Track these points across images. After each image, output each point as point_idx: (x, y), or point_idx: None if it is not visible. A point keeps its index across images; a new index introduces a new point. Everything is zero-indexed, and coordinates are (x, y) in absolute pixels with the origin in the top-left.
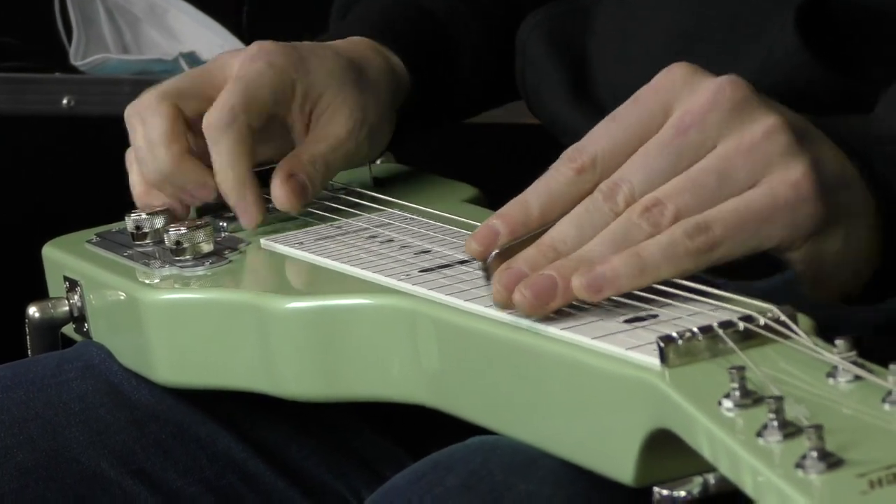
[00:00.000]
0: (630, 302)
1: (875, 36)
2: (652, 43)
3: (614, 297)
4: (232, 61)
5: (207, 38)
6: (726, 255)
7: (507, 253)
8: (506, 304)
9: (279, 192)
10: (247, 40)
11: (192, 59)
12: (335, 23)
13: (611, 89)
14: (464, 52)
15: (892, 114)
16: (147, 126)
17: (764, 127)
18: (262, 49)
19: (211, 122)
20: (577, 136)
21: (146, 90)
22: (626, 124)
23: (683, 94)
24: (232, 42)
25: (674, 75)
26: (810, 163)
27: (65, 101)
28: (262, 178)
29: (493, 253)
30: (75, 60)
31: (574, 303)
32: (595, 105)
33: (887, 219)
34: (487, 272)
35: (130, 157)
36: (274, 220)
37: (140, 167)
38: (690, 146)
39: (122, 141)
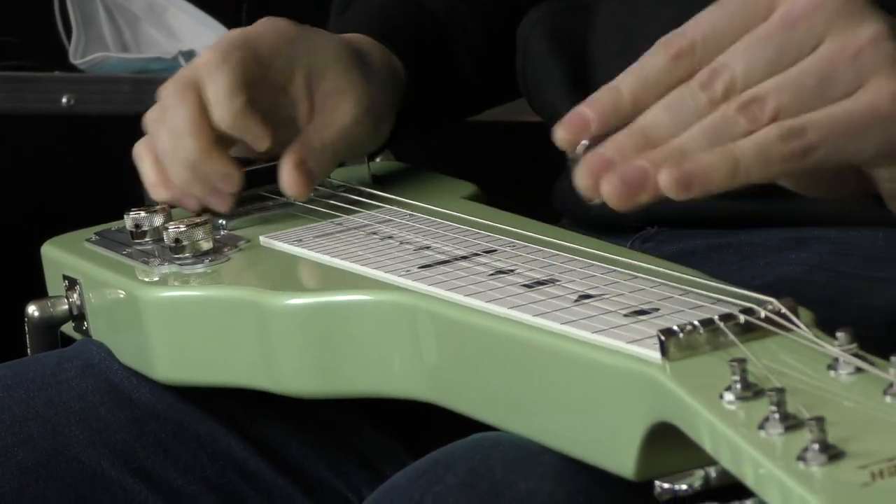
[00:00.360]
0: (630, 295)
1: None
2: (653, 39)
3: (613, 290)
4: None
5: (207, 36)
6: (819, 162)
7: (597, 144)
8: (592, 193)
9: (290, 179)
10: None
11: (192, 58)
12: (335, 18)
13: None
14: (463, 52)
15: None
16: (171, 113)
17: (871, 32)
18: (268, 19)
19: (207, 59)
20: None
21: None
22: (730, 12)
23: None
24: None
25: None
26: None
27: (64, 100)
28: (256, 179)
29: (584, 143)
30: (75, 59)
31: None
32: None
33: None
34: (575, 163)
35: (142, 149)
36: (273, 218)
37: (161, 159)
38: (796, 40)
39: (122, 140)
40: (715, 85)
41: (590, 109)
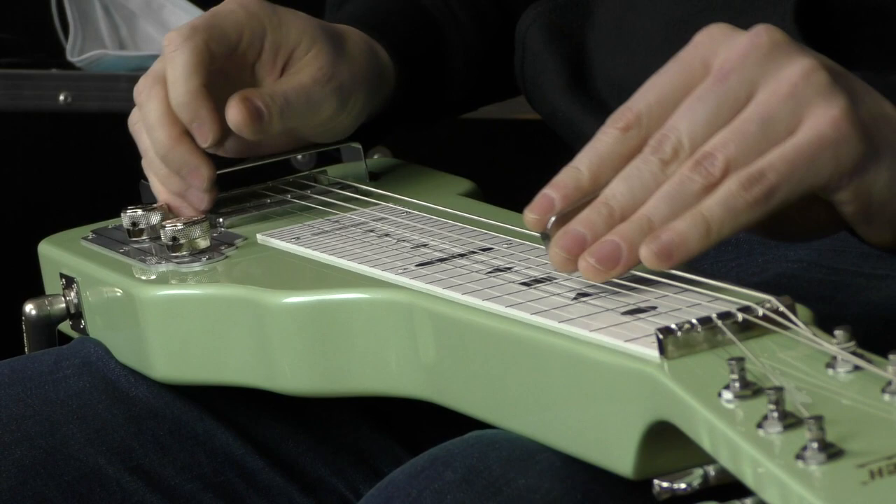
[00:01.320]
0: (628, 293)
1: (872, 29)
2: (650, 34)
3: (611, 288)
4: None
5: None
6: (783, 200)
7: (564, 220)
8: (565, 269)
9: (233, 112)
10: None
11: None
12: (330, 14)
13: (609, 81)
14: (457, 48)
15: None
16: (144, 110)
17: (801, 68)
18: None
19: (170, 38)
20: (575, 127)
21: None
22: (668, 79)
23: (722, 47)
24: None
25: (711, 32)
26: (848, 99)
27: (61, 98)
28: (252, 176)
29: (551, 221)
30: (72, 57)
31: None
32: (593, 97)
33: None
34: (548, 240)
35: (134, 120)
36: (270, 215)
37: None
38: (731, 91)
39: (119, 137)
40: (664, 147)
41: (553, 191)
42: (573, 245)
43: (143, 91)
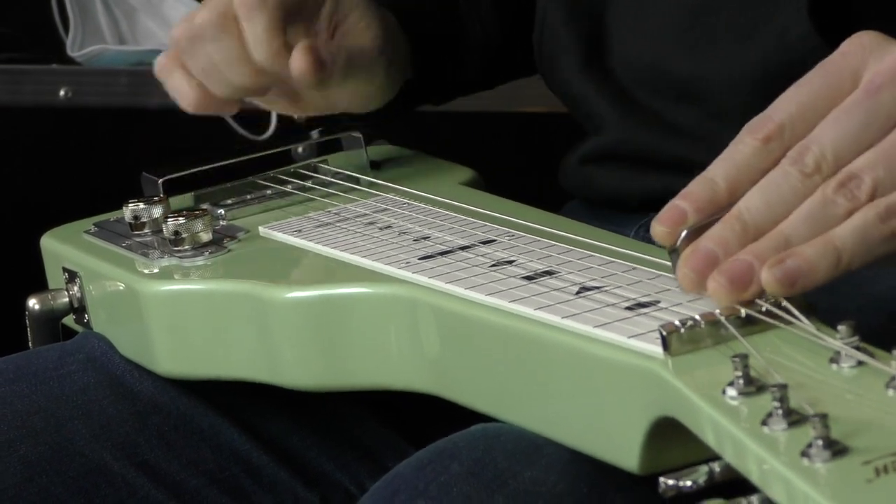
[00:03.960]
0: (630, 287)
1: (887, 20)
2: (667, 15)
3: (614, 283)
4: None
5: None
6: None
7: (697, 234)
8: (696, 289)
9: (299, 60)
10: None
11: None
12: None
13: (625, 62)
14: (475, 24)
15: None
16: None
17: None
18: None
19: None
20: (589, 107)
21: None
22: (814, 89)
23: (872, 59)
24: None
25: (862, 41)
26: None
27: (62, 93)
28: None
29: (682, 235)
30: (72, 52)
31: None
32: (609, 78)
33: None
34: (676, 255)
35: (166, 61)
36: (272, 207)
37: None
38: (882, 107)
39: (120, 132)
40: (805, 159)
41: (685, 202)
42: (704, 265)
43: (210, 25)
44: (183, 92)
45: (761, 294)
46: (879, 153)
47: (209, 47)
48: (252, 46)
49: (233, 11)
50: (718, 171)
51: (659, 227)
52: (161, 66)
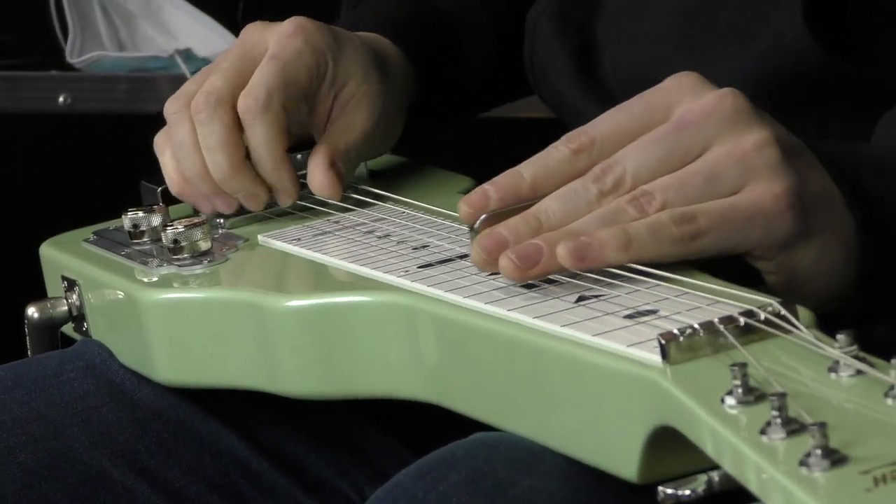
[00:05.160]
0: (629, 296)
1: (883, 23)
2: (660, 22)
3: (612, 291)
4: (265, 37)
5: (203, 34)
6: (707, 247)
7: (495, 220)
8: (483, 268)
9: (323, 179)
10: None
11: (188, 56)
12: (346, 12)
13: (617, 72)
14: (472, 48)
15: (889, 131)
16: (205, 130)
17: (756, 138)
18: (298, 26)
19: (247, 106)
20: (581, 118)
21: (187, 82)
22: (630, 115)
23: (688, 98)
24: (227, 38)
25: (682, 80)
26: (794, 179)
27: (61, 99)
28: None
29: (482, 217)
30: (71, 58)
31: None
32: (601, 88)
33: (875, 232)
34: (474, 234)
35: (163, 142)
36: (271, 216)
37: (180, 164)
38: (685, 143)
39: (119, 138)
40: (606, 178)
41: (492, 189)
42: (494, 247)
43: (203, 111)
44: (169, 177)
45: (545, 274)
46: (674, 178)
47: (201, 134)
48: (255, 152)
49: (227, 98)
50: (528, 169)
51: (464, 206)
52: (156, 143)
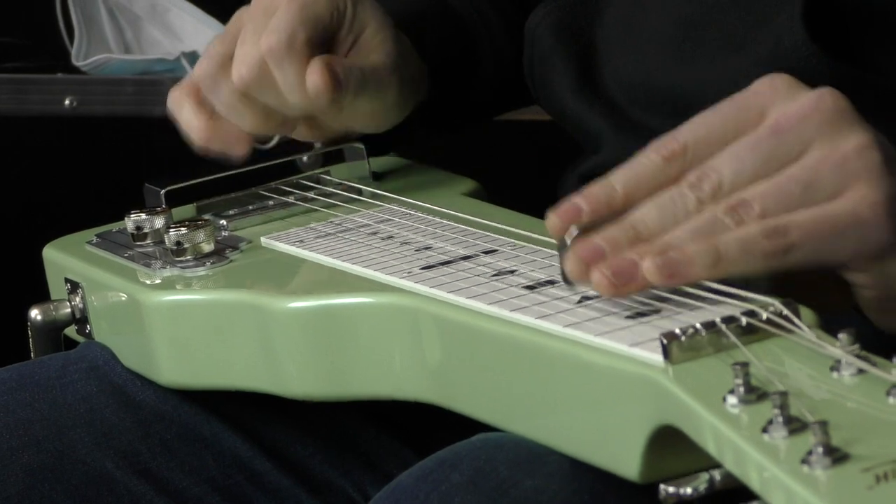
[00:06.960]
0: (631, 297)
1: (883, 28)
2: (659, 29)
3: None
4: None
5: (209, 36)
6: (799, 262)
7: (587, 233)
8: (579, 277)
9: (315, 76)
10: None
11: (195, 59)
12: None
13: (618, 79)
14: (487, 53)
15: None
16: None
17: (856, 141)
18: None
19: (272, 47)
20: (582, 125)
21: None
22: (721, 119)
23: (781, 100)
24: None
25: (775, 82)
26: (893, 186)
27: (67, 102)
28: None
29: (574, 231)
30: (77, 61)
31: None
32: (602, 95)
33: None
34: (564, 248)
35: (178, 95)
36: (274, 217)
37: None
38: (783, 148)
39: (124, 141)
40: (703, 186)
41: (583, 201)
42: (591, 256)
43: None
44: (192, 125)
45: (640, 290)
46: (772, 185)
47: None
48: (287, 94)
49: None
50: (619, 179)
51: (554, 217)
52: (172, 98)
